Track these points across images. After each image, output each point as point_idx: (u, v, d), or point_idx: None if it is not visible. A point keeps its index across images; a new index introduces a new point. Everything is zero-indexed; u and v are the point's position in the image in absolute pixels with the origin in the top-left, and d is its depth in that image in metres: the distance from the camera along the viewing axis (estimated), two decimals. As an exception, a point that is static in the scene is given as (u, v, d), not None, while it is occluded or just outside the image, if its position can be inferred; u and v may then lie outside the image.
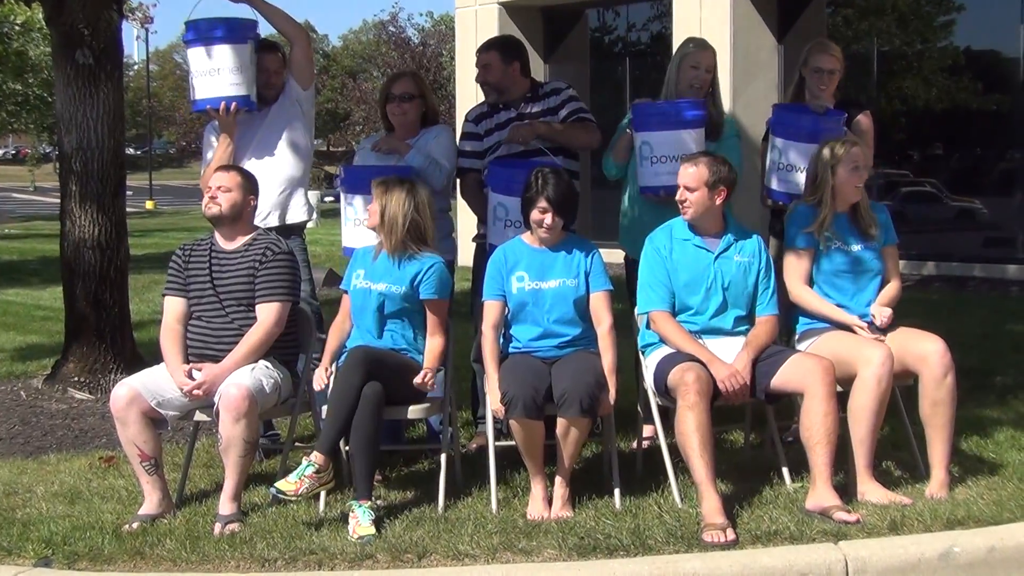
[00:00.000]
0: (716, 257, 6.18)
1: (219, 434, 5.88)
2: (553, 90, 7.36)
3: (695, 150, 6.54)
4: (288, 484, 5.68)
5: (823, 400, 5.75)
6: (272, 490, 5.71)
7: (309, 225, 7.65)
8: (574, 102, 7.31)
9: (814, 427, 5.77)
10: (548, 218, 6.10)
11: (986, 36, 17.37)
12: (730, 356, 5.98)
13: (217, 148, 7.18)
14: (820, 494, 5.72)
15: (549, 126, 7.14)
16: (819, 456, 5.75)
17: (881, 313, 6.20)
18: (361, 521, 5.61)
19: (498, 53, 7.35)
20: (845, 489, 5.94)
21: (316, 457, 5.74)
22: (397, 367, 6.07)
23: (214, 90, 7.01)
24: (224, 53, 6.99)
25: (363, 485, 5.76)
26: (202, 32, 7.06)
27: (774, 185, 7.01)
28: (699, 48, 7.09)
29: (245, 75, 7.05)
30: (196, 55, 7.09)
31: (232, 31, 7.04)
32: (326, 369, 6.14)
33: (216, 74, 7.00)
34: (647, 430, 6.73)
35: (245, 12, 7.28)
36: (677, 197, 6.15)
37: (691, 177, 6.12)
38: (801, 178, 6.71)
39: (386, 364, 6.01)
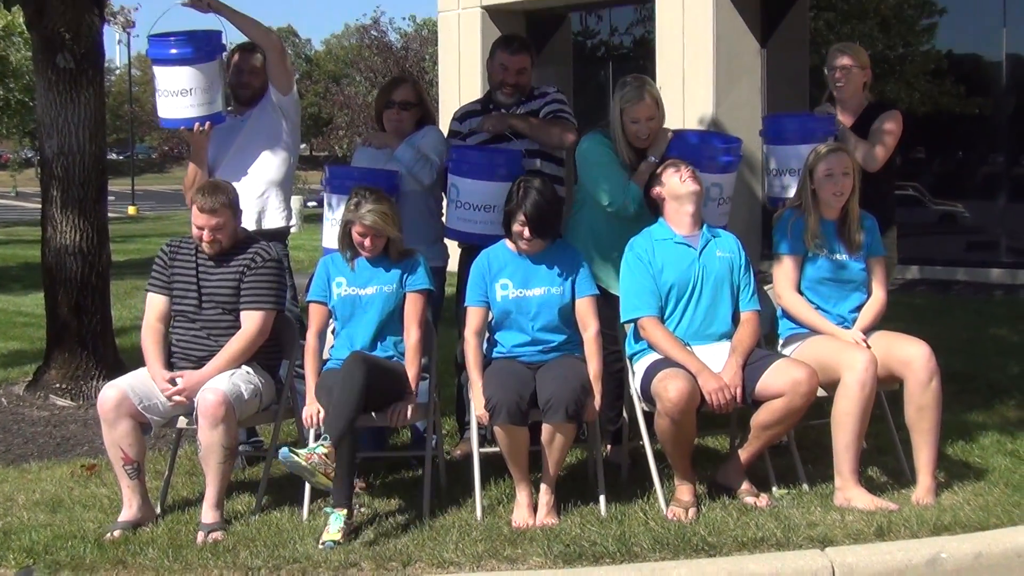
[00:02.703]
0: (700, 253, 6.17)
1: (199, 441, 5.84)
2: (541, 93, 7.25)
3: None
4: (301, 453, 5.56)
5: (789, 410, 5.84)
6: (284, 450, 5.55)
7: (292, 231, 7.59)
8: (555, 104, 7.17)
9: (769, 420, 5.92)
10: (526, 232, 6.08)
11: (969, 40, 17.41)
12: (719, 361, 5.97)
13: (189, 169, 7.16)
14: (733, 474, 6.16)
15: (520, 119, 7.04)
16: (756, 445, 6.08)
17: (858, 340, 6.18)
18: (330, 528, 5.62)
19: (530, 56, 7.22)
20: (832, 496, 5.95)
21: (327, 444, 5.66)
22: (388, 373, 6.02)
23: (185, 111, 6.93)
24: (194, 74, 6.88)
25: (338, 490, 5.73)
26: (169, 51, 6.89)
27: (772, 192, 7.01)
28: (636, 98, 6.58)
29: (215, 92, 6.98)
30: (164, 74, 6.94)
31: (200, 49, 6.91)
32: (316, 411, 6.00)
33: (187, 95, 6.90)
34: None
35: (213, 19, 7.14)
36: (683, 174, 6.18)
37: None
38: (792, 181, 6.72)
39: (379, 370, 5.97)
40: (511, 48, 7.21)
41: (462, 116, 7.38)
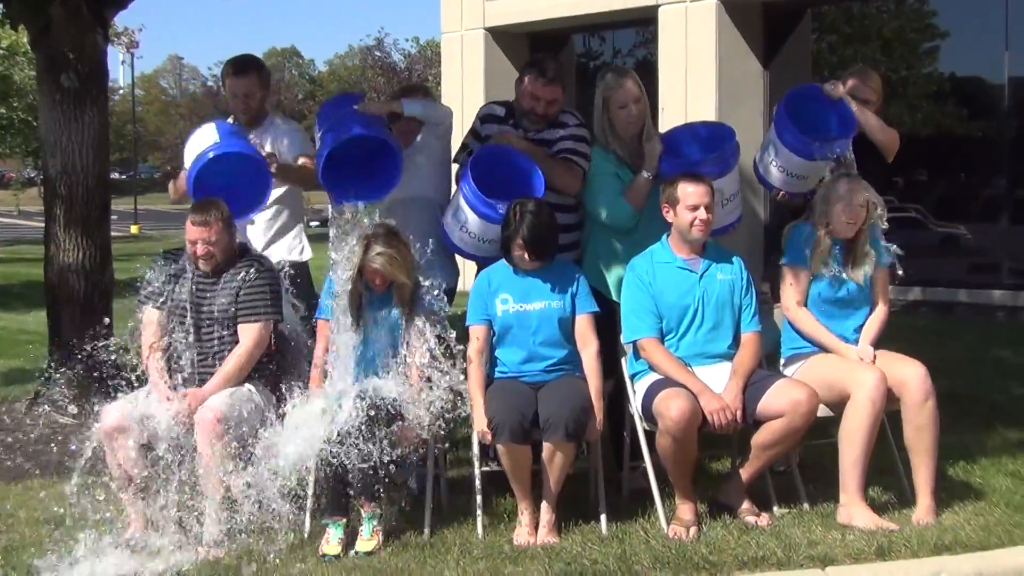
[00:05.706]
0: (700, 277, 6.18)
1: (199, 457, 5.84)
2: (561, 123, 6.95)
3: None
4: (367, 543, 5.72)
5: (789, 430, 5.86)
6: (355, 552, 5.71)
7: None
8: (569, 141, 6.84)
9: (769, 440, 5.94)
10: (526, 256, 6.10)
11: (971, 62, 17.44)
12: (720, 382, 5.98)
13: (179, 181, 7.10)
14: (734, 493, 6.14)
15: (532, 147, 6.80)
16: (756, 464, 6.06)
17: (866, 354, 6.18)
18: (330, 540, 5.69)
19: (563, 85, 6.91)
20: (833, 515, 5.95)
21: (367, 508, 5.80)
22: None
23: None
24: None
25: (332, 500, 5.83)
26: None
27: (761, 171, 7.00)
28: (618, 83, 6.72)
29: None
30: None
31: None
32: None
33: None
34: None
35: None
36: (698, 218, 6.10)
37: (709, 195, 6.16)
38: (787, 179, 6.78)
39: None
40: (546, 77, 6.83)
41: (484, 117, 7.13)
